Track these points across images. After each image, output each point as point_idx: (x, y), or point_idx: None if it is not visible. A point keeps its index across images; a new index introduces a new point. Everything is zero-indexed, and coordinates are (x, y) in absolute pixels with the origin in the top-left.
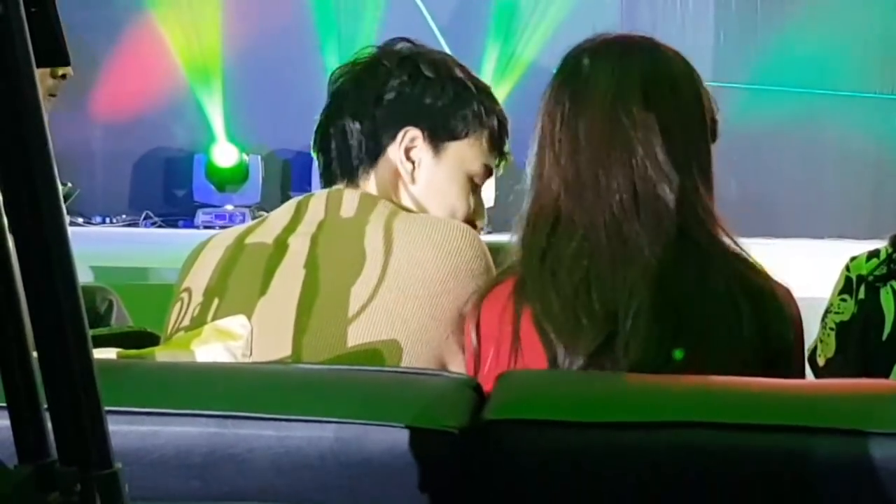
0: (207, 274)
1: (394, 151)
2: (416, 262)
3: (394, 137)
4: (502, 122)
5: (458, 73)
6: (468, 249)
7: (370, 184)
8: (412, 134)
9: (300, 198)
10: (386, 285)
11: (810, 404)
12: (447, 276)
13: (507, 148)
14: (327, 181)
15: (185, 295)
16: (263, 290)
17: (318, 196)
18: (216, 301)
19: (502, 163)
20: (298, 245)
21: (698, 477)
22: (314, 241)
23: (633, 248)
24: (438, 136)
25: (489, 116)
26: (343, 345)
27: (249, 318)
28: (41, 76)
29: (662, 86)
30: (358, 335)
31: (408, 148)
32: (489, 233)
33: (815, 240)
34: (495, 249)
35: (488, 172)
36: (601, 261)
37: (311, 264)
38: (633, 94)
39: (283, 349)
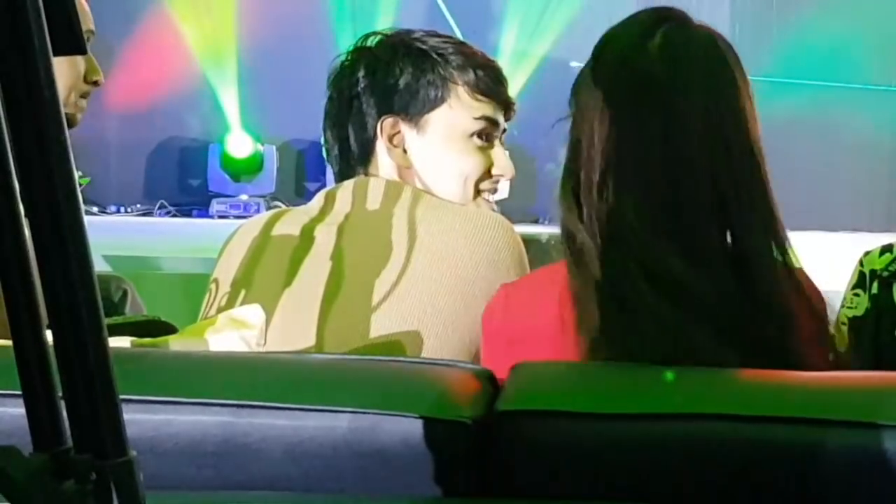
0: (234, 265)
1: (380, 145)
2: (449, 250)
3: (376, 132)
4: (484, 70)
5: (418, 45)
6: (501, 239)
7: None
8: (390, 121)
9: (329, 189)
10: (410, 274)
11: (824, 397)
12: (480, 264)
13: (505, 93)
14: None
15: (213, 286)
16: (289, 281)
17: (345, 186)
18: (243, 292)
19: (510, 111)
20: (325, 236)
21: (712, 468)
22: (340, 232)
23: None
24: (414, 113)
25: (462, 71)
26: (366, 335)
27: (274, 308)
28: (76, 81)
29: (716, 72)
30: (381, 325)
31: (390, 136)
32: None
33: (829, 232)
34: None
35: (491, 123)
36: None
37: (337, 256)
38: (687, 85)
39: (307, 340)
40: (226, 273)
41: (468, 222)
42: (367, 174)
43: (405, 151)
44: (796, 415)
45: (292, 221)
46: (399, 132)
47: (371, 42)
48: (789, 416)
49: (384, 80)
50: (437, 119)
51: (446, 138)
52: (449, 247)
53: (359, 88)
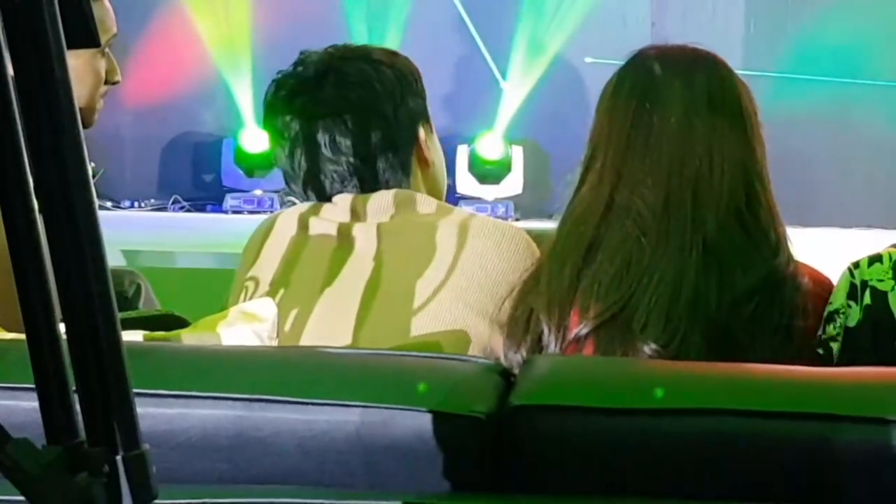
0: (273, 265)
1: (414, 156)
2: (483, 257)
3: (416, 145)
4: None
5: (398, 55)
6: (526, 249)
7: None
8: (423, 132)
9: (356, 196)
10: (456, 276)
11: (835, 392)
12: (507, 270)
13: None
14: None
15: (250, 283)
16: (329, 281)
17: (383, 193)
18: (281, 291)
19: None
20: (365, 237)
21: (722, 463)
22: (381, 233)
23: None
24: (428, 117)
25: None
26: (406, 335)
27: (312, 308)
28: (98, 85)
29: (727, 100)
30: (423, 325)
31: (425, 143)
32: (517, 219)
33: (844, 229)
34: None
35: None
36: (644, 250)
37: (379, 257)
38: (701, 103)
39: (344, 339)
40: (265, 273)
41: (498, 230)
42: (407, 186)
43: (431, 155)
44: (808, 410)
45: (328, 220)
46: (426, 138)
47: (363, 55)
48: (801, 412)
49: (414, 94)
50: (429, 118)
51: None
52: (485, 256)
53: (396, 98)
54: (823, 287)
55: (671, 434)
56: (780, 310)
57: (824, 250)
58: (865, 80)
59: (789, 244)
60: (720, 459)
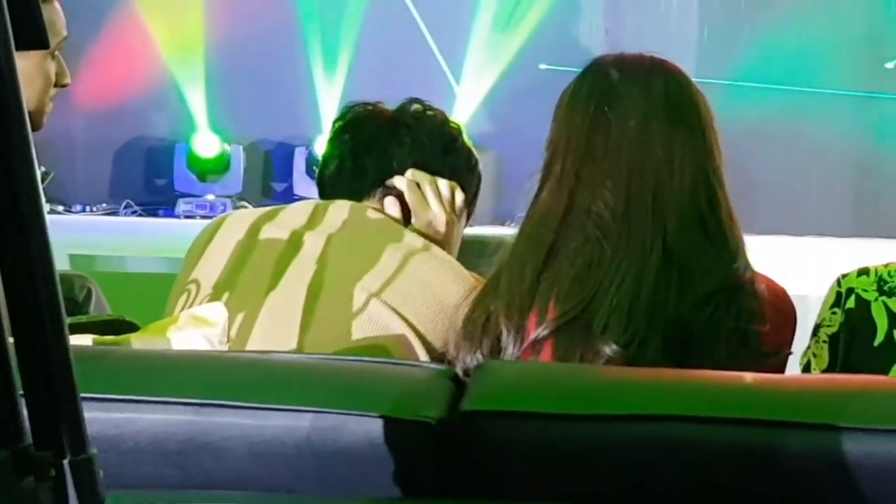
0: (217, 268)
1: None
2: (424, 280)
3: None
4: None
5: None
6: (470, 287)
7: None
8: None
9: (317, 202)
10: (390, 291)
11: (784, 399)
12: (445, 298)
13: None
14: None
15: (192, 286)
16: (273, 284)
17: (340, 204)
18: (226, 295)
19: None
20: (313, 241)
21: (673, 469)
22: (330, 238)
23: (637, 244)
24: None
25: None
26: (348, 339)
27: (258, 312)
28: (48, 87)
29: (684, 106)
30: (361, 329)
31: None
32: (471, 225)
33: (795, 237)
34: (481, 242)
35: None
36: (605, 253)
37: (322, 260)
38: (659, 108)
39: (290, 343)
40: (207, 275)
41: (444, 263)
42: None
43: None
44: (759, 417)
45: (281, 225)
46: None
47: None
48: (752, 419)
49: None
50: None
51: None
52: (434, 278)
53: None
54: (778, 296)
55: (621, 440)
56: (736, 314)
57: (777, 258)
58: (818, 89)
59: (746, 251)
60: (672, 466)
